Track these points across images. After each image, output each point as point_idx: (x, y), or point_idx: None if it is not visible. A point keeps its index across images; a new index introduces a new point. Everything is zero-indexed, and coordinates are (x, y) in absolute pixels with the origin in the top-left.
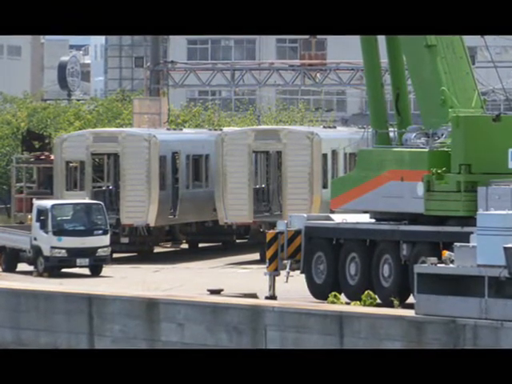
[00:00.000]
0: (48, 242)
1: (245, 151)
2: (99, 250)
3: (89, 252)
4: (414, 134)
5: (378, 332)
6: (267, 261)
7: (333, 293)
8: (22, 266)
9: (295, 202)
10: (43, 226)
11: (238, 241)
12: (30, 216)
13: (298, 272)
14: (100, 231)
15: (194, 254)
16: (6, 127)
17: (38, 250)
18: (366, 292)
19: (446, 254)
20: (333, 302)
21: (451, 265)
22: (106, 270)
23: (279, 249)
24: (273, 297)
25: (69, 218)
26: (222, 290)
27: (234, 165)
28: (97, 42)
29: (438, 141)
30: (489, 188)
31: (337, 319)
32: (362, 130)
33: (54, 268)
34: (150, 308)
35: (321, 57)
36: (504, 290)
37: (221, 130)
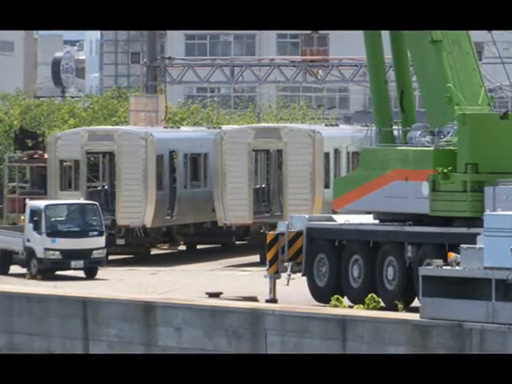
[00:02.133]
0: (41, 244)
1: (244, 150)
2: (94, 251)
3: (83, 254)
4: (419, 132)
5: (382, 336)
6: (267, 263)
7: (335, 296)
8: (14, 269)
9: (296, 203)
10: (36, 227)
11: (237, 242)
12: (22, 217)
13: (299, 274)
14: (95, 232)
15: (192, 256)
16: None
17: (31, 252)
18: (370, 295)
19: (451, 255)
20: (335, 306)
21: (457, 267)
22: (102, 272)
23: (280, 250)
24: (273, 300)
25: (63, 218)
26: (220, 293)
27: (234, 164)
28: (92, 37)
29: (444, 139)
30: (496, 188)
31: (339, 323)
32: (366, 128)
33: (47, 270)
34: (147, 312)
35: (323, 53)
36: None
37: (220, 128)
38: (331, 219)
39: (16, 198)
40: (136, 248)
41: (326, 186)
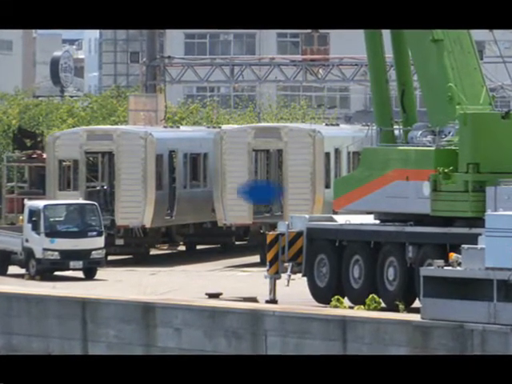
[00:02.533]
0: (40, 244)
1: (244, 150)
2: (93, 252)
3: (82, 254)
4: (420, 132)
5: (383, 337)
6: (268, 263)
7: (336, 296)
8: (13, 269)
9: (297, 203)
10: (35, 228)
11: (237, 243)
12: (21, 217)
13: (299, 275)
14: (94, 233)
15: (192, 257)
16: None
17: (29, 252)
18: (371, 296)
19: (453, 256)
20: (336, 306)
21: (458, 267)
22: (101, 272)
23: (280, 251)
24: (273, 301)
25: (62, 218)
26: (220, 294)
27: (234, 164)
28: (91, 36)
29: (445, 139)
30: (498, 188)
31: (340, 324)
32: (366, 127)
33: (46, 271)
34: (146, 312)
35: (323, 52)
36: None
37: (219, 127)
38: (332, 219)
39: (14, 197)
40: (135, 248)
41: (327, 186)
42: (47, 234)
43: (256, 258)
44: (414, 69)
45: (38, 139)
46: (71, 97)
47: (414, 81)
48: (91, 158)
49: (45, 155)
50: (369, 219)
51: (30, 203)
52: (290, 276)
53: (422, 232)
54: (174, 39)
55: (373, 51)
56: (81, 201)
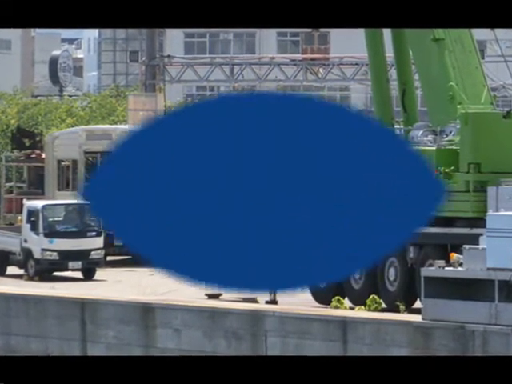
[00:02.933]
0: (39, 244)
1: None
2: (92, 252)
3: (82, 254)
4: (421, 132)
5: (384, 338)
6: None
7: (336, 297)
8: (11, 270)
9: None
10: (34, 228)
11: None
12: (20, 217)
13: None
14: (93, 233)
15: None
16: None
17: (28, 253)
18: (371, 296)
19: (454, 256)
20: (336, 307)
21: (460, 268)
22: (100, 273)
23: None
24: (273, 301)
25: (61, 219)
26: (220, 295)
27: None
28: (90, 35)
29: (446, 138)
30: (499, 188)
31: (340, 325)
32: None
33: (45, 271)
34: (146, 313)
35: (324, 51)
36: None
37: None
38: None
39: (13, 198)
40: None
41: None
42: (46, 235)
43: None
44: (414, 68)
45: (37, 139)
46: (70, 96)
47: (415, 80)
48: (90, 158)
49: (44, 155)
50: None
51: (28, 203)
52: None
53: (422, 232)
54: (174, 38)
55: (373, 50)
56: (80, 201)
